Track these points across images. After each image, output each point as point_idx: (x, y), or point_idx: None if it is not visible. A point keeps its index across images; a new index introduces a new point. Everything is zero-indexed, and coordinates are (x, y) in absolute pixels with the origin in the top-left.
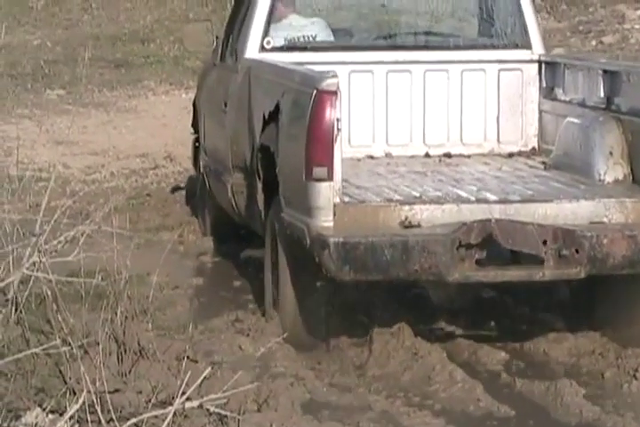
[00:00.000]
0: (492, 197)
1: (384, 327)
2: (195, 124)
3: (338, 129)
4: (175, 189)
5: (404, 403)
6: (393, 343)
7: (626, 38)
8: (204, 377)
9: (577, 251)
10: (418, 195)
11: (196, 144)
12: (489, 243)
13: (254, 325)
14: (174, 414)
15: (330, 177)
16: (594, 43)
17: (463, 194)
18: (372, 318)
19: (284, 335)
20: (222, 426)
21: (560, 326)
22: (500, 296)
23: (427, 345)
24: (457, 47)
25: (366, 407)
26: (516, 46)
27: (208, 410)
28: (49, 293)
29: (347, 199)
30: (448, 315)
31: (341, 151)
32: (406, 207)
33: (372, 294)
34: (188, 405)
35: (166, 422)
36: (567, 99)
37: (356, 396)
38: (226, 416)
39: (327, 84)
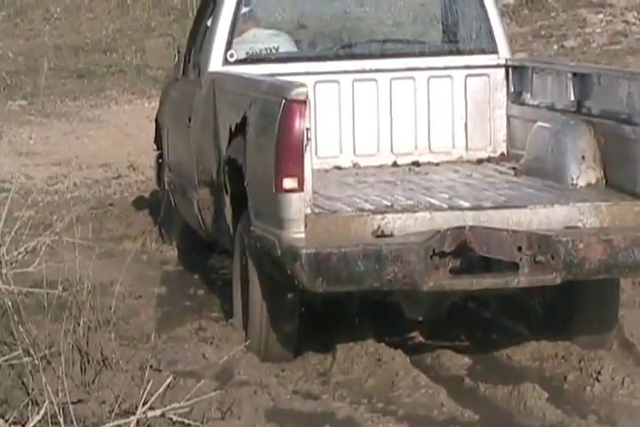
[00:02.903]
0: (465, 204)
1: (347, 334)
2: (157, 141)
3: (307, 139)
4: (138, 198)
5: (368, 409)
6: (356, 350)
7: (587, 42)
8: (168, 386)
9: (552, 257)
10: (389, 204)
11: (160, 161)
12: (463, 251)
13: (218, 333)
14: (137, 423)
15: (300, 188)
16: (556, 47)
17: (435, 202)
18: (336, 325)
19: (247, 343)
20: None
21: (523, 331)
22: (463, 301)
23: (390, 351)
24: (422, 54)
25: (330, 414)
26: (483, 51)
27: (171, 419)
28: (10, 304)
29: (317, 210)
30: (411, 320)
31: (311, 162)
32: (378, 217)
33: (335, 300)
34: (150, 414)
35: None
36: (536, 103)
37: (319, 403)
38: (189, 425)
39: (296, 93)
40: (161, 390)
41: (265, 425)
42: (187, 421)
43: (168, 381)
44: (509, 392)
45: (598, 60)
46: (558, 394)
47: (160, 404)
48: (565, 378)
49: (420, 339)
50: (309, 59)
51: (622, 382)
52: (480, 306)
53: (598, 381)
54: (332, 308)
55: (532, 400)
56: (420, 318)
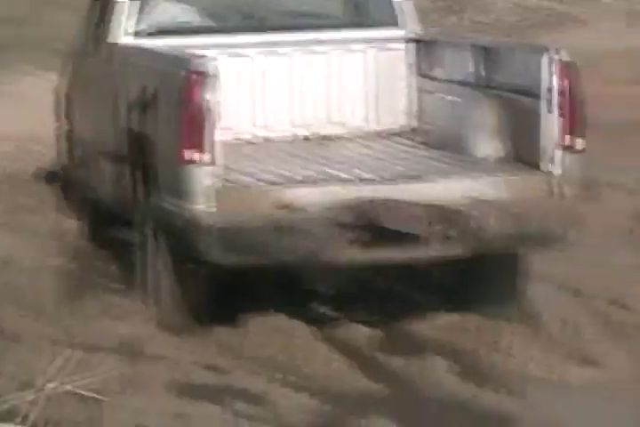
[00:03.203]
0: (374, 178)
1: (260, 308)
2: (59, 113)
3: (215, 111)
4: (43, 171)
5: (281, 384)
6: (268, 324)
7: (499, 17)
8: (77, 361)
9: (459, 229)
10: (299, 177)
11: (62, 133)
12: (371, 223)
13: (124, 307)
14: (44, 398)
15: (208, 161)
16: (468, 22)
17: (344, 175)
18: (249, 299)
19: (159, 319)
20: (95, 410)
21: (433, 304)
22: (373, 274)
23: (303, 326)
24: (332, 27)
25: (242, 388)
26: (391, 25)
27: (78, 394)
28: None
29: (225, 183)
30: (323, 296)
31: (219, 135)
32: (287, 190)
33: (248, 275)
34: (56, 388)
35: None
36: (442, 77)
37: (232, 378)
38: (96, 399)
39: (202, 65)
40: (68, 365)
41: (174, 400)
42: (96, 395)
43: (75, 356)
44: (420, 366)
45: (509, 34)
46: (466, 367)
47: (68, 379)
48: (475, 351)
49: (333, 314)
50: (218, 32)
51: (531, 356)
52: (387, 278)
53: (509, 355)
54: (242, 282)
55: (441, 374)
56: (329, 291)
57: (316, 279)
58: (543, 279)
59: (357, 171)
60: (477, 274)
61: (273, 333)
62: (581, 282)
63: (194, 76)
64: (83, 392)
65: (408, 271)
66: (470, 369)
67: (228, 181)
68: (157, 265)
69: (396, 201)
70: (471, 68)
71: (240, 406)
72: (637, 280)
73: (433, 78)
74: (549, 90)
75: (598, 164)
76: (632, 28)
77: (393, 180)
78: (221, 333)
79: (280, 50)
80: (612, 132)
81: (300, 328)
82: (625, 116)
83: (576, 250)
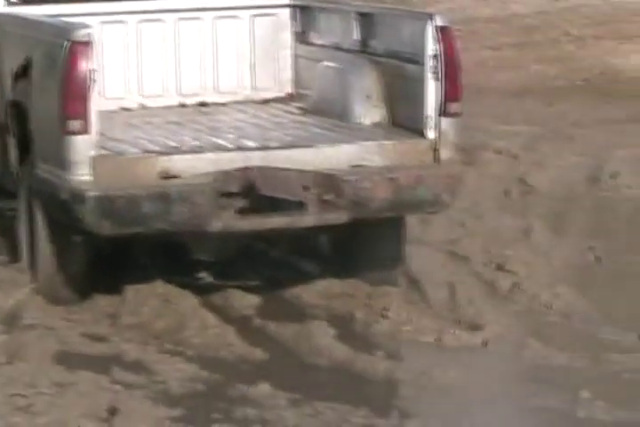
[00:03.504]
0: (252, 145)
1: (136, 275)
2: None
3: (93, 80)
4: None
5: (157, 350)
6: (145, 291)
7: None
8: None
9: (338, 195)
10: (176, 145)
11: None
12: (250, 191)
13: (4, 276)
14: None
15: (86, 130)
16: None
17: (222, 142)
18: (124, 267)
19: (34, 286)
20: None
21: (311, 269)
22: (252, 241)
23: (179, 292)
24: None
25: (119, 356)
26: None
27: None
28: None
29: (104, 152)
30: (201, 261)
31: (97, 104)
32: (165, 158)
33: (124, 242)
34: None
35: None
36: (322, 43)
37: (108, 345)
38: None
39: (80, 34)
40: None
41: (53, 368)
42: None
43: None
44: (298, 331)
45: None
46: (346, 332)
47: None
48: (353, 315)
49: (209, 279)
50: None
51: (409, 319)
52: (269, 245)
53: (386, 317)
54: (120, 249)
55: (320, 338)
56: (208, 258)
57: (197, 246)
58: (421, 243)
59: (234, 138)
60: (360, 239)
61: (149, 299)
62: (459, 245)
63: (77, 47)
64: None
65: (290, 238)
66: (347, 333)
67: (104, 148)
68: (35, 233)
69: (272, 168)
70: (351, 34)
71: (118, 373)
72: (514, 243)
73: (311, 44)
74: (432, 56)
75: (483, 128)
76: None
77: (270, 147)
78: (99, 300)
79: (158, 16)
80: (496, 96)
81: (176, 294)
82: (508, 81)
83: (454, 213)
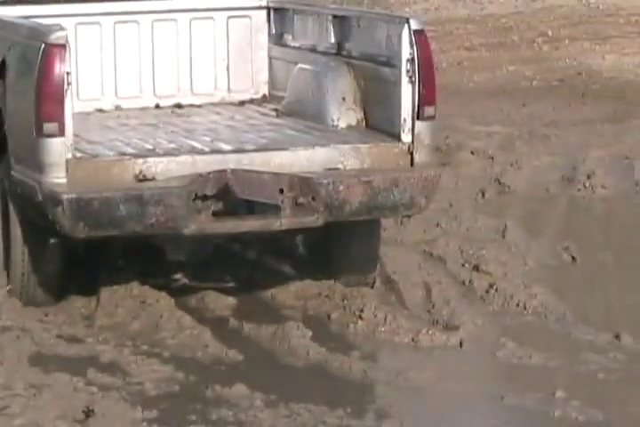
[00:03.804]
0: (227, 147)
1: (111, 276)
2: None
3: (68, 83)
4: None
5: (133, 352)
6: (120, 292)
7: None
8: None
9: (314, 198)
10: (151, 147)
11: None
12: (225, 194)
13: None
14: None
15: (61, 133)
16: None
17: (197, 145)
18: (100, 268)
19: (9, 288)
20: None
21: (287, 270)
22: (228, 241)
23: (155, 293)
24: None
25: (94, 357)
26: None
27: None
28: None
29: (79, 155)
30: (175, 263)
31: (72, 106)
32: (140, 161)
33: (100, 243)
34: None
35: None
36: (297, 45)
37: (84, 346)
38: None
39: (55, 37)
40: None
41: (28, 370)
42: None
43: None
44: (274, 332)
45: (361, 2)
46: (322, 332)
47: None
48: (329, 316)
49: (185, 281)
50: (70, 0)
51: (385, 320)
52: (244, 247)
53: (361, 318)
54: (95, 250)
55: (296, 339)
56: (183, 260)
57: (172, 247)
58: (397, 243)
59: (210, 140)
60: (335, 240)
61: (124, 300)
62: (435, 245)
63: (52, 49)
64: None
65: (266, 239)
66: (323, 334)
67: (79, 151)
68: (9, 235)
69: (248, 171)
70: (327, 37)
71: (93, 375)
72: (490, 243)
73: (287, 46)
74: (407, 60)
75: (459, 129)
76: None
77: (245, 149)
78: (73, 302)
79: (133, 18)
80: (472, 97)
81: (151, 295)
82: (484, 82)
83: (430, 214)
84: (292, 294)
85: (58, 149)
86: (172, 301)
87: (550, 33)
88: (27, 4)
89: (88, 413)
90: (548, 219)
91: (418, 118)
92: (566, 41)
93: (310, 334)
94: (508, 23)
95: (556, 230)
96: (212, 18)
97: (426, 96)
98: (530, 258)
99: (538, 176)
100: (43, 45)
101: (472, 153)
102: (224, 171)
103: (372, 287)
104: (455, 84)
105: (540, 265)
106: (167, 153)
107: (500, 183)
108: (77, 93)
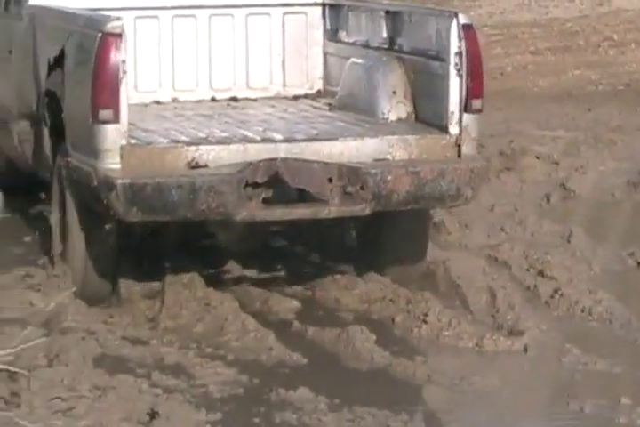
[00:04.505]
0: (278, 137)
1: (176, 278)
2: None
3: (123, 71)
4: None
5: (197, 354)
6: (185, 294)
7: None
8: None
9: (362, 188)
10: (204, 136)
11: None
12: (275, 182)
13: (45, 280)
14: None
15: (116, 119)
16: None
17: (249, 134)
18: (164, 270)
19: (74, 289)
20: (12, 383)
21: (350, 273)
22: (291, 245)
23: (219, 295)
24: None
25: (158, 359)
26: None
27: None
28: None
29: (133, 141)
30: (240, 265)
31: (127, 93)
32: (193, 148)
33: (164, 243)
34: None
35: None
36: (351, 40)
37: (148, 348)
38: (15, 373)
39: (112, 26)
40: None
41: (93, 371)
42: (12, 369)
43: None
44: (337, 335)
45: (425, 3)
46: (386, 336)
47: None
48: (393, 320)
49: (250, 283)
50: None
51: (449, 324)
52: (308, 250)
53: (426, 322)
54: (159, 252)
55: (359, 343)
56: (248, 260)
57: (233, 247)
58: (461, 247)
59: (262, 130)
60: (385, 234)
61: (189, 302)
62: (499, 250)
63: (108, 38)
64: (4, 367)
65: (325, 240)
66: (387, 338)
67: (134, 138)
68: (69, 223)
69: (297, 160)
70: (379, 32)
71: (157, 376)
72: (554, 248)
73: (340, 41)
74: (456, 54)
75: (523, 133)
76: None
77: (296, 139)
78: (137, 304)
79: (191, 12)
80: (537, 101)
81: (216, 297)
82: (549, 86)
83: (494, 218)
84: (355, 297)
85: (112, 136)
86: (237, 303)
87: (616, 37)
88: None
89: (152, 415)
90: (614, 224)
91: (465, 111)
92: (632, 45)
93: (374, 337)
94: (574, 27)
95: (621, 236)
96: (268, 14)
97: (473, 89)
98: (595, 263)
99: (603, 181)
100: (99, 34)
101: (537, 158)
102: (274, 159)
103: (436, 291)
104: (520, 89)
105: (606, 271)
106: (219, 141)
107: (565, 188)
108: (136, 85)
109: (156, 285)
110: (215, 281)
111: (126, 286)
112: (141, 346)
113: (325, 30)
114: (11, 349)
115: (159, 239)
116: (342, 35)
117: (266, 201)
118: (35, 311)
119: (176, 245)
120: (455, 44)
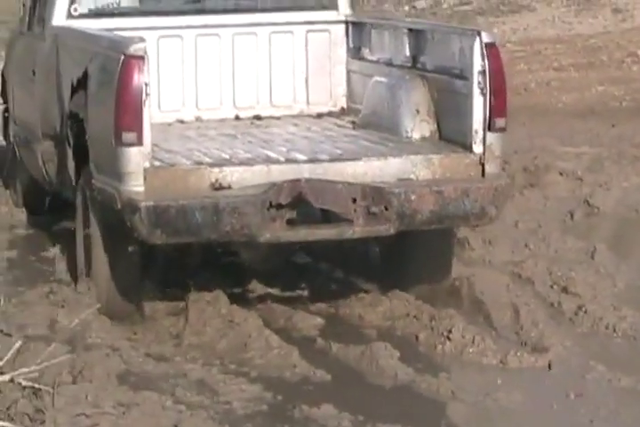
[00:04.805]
0: (302, 157)
1: (199, 295)
2: (4, 94)
3: (146, 94)
4: None
5: (220, 371)
6: (209, 311)
7: (438, 3)
8: (17, 350)
9: (386, 208)
10: (228, 157)
11: (6, 114)
12: (299, 202)
13: (69, 296)
14: None
15: (139, 142)
16: (407, 8)
17: (273, 155)
18: (187, 287)
19: (99, 306)
20: (37, 400)
21: (374, 290)
22: (315, 262)
23: (243, 312)
24: (264, 9)
25: (182, 376)
26: (323, 7)
27: (21, 384)
28: None
29: (157, 163)
30: (263, 282)
31: (150, 116)
32: (216, 169)
33: (188, 261)
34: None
35: None
36: (374, 58)
37: (171, 365)
38: (40, 389)
39: (134, 48)
40: (10, 354)
41: (117, 388)
42: (37, 385)
43: (17, 345)
44: (361, 352)
45: (449, 20)
46: (410, 353)
47: (10, 369)
48: (417, 337)
49: (273, 300)
50: (152, 13)
51: (473, 341)
52: (332, 267)
53: (449, 339)
54: (183, 270)
55: (383, 360)
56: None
57: (256, 265)
58: (485, 264)
59: (285, 150)
60: (409, 251)
61: (212, 319)
62: (523, 267)
63: (131, 61)
64: (24, 382)
65: (349, 257)
66: (410, 354)
67: (157, 160)
68: (93, 244)
69: (321, 180)
70: (402, 50)
71: (180, 393)
72: (578, 264)
73: (364, 59)
74: (479, 72)
75: (547, 150)
76: (578, 17)
77: (320, 159)
78: (161, 320)
79: (214, 31)
80: (560, 117)
81: (240, 314)
82: (572, 102)
83: (518, 235)
84: (379, 314)
85: (136, 158)
86: (260, 320)
87: (639, 53)
88: (111, 18)
89: None
90: (637, 240)
91: (489, 130)
92: None
93: (398, 354)
94: (597, 43)
95: None
96: (291, 32)
97: (497, 108)
98: (619, 280)
99: (627, 197)
100: (122, 57)
101: (560, 174)
102: (298, 180)
103: (460, 308)
104: (543, 105)
105: (630, 287)
106: (243, 162)
107: (588, 204)
108: (159, 104)
109: (179, 302)
110: (239, 298)
111: (150, 303)
112: (165, 363)
113: (349, 48)
114: (35, 365)
115: (183, 257)
116: (365, 52)
117: (290, 222)
118: (59, 328)
119: (200, 262)
120: (478, 62)
